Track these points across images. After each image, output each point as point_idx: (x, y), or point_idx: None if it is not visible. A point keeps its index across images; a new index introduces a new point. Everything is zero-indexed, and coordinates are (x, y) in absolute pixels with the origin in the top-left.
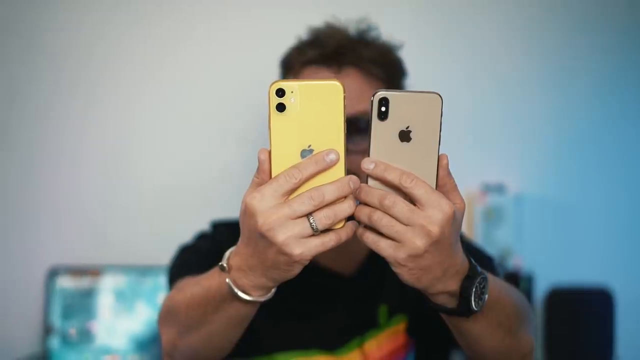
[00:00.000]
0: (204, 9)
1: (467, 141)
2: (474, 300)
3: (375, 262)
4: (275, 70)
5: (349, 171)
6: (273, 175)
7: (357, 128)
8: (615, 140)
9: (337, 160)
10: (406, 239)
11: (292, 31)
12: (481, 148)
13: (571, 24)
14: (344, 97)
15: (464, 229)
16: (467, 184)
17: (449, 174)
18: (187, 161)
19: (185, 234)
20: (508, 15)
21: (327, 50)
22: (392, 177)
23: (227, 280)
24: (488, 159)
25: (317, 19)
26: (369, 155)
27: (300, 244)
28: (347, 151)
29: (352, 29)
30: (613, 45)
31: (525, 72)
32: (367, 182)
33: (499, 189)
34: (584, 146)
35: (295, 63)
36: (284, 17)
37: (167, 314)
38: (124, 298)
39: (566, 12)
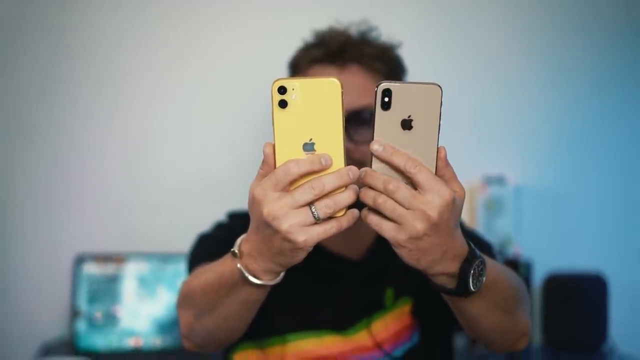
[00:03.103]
0: (219, 14)
1: (470, 136)
2: (472, 282)
3: (382, 248)
4: (286, 69)
5: (355, 160)
6: (277, 167)
7: (361, 120)
8: (610, 135)
9: (331, 165)
10: (407, 222)
11: (302, 33)
12: (483, 142)
13: (568, 24)
14: (342, 92)
15: (467, 218)
16: (469, 176)
17: (448, 164)
18: (205, 156)
19: (204, 224)
20: (508, 17)
21: (331, 49)
22: (398, 161)
23: (239, 265)
24: (489, 152)
25: (324, 20)
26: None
27: (304, 232)
28: (353, 142)
29: (353, 30)
30: (608, 45)
31: (525, 71)
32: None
33: (500, 181)
34: (580, 141)
35: (302, 63)
36: (294, 19)
37: (184, 299)
38: (146, 284)
39: (564, 14)
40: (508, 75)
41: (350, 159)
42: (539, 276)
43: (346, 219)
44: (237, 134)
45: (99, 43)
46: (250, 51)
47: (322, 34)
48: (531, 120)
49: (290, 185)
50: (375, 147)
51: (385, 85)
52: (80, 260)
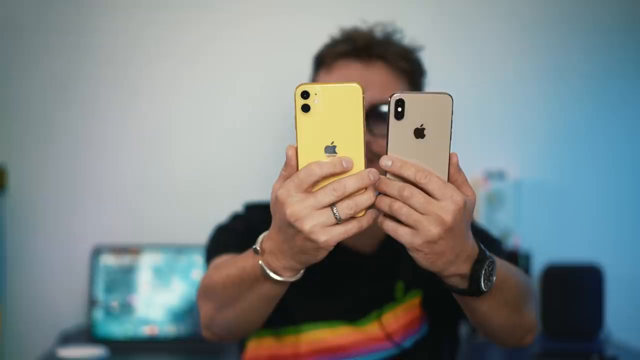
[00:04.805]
0: (233, 15)
1: (472, 133)
2: (484, 282)
3: (393, 242)
4: (298, 68)
5: (373, 153)
6: (299, 169)
7: (381, 114)
8: (605, 131)
9: (352, 167)
10: (422, 227)
11: (312, 34)
12: (484, 139)
13: (566, 25)
14: (363, 97)
15: None
16: (471, 171)
17: (459, 170)
18: (218, 151)
19: (216, 217)
20: (508, 19)
21: (357, 45)
22: (408, 173)
23: (260, 262)
24: (490, 149)
25: (333, 22)
26: (387, 151)
27: (325, 232)
28: (373, 135)
29: (379, 31)
30: (604, 45)
31: (524, 72)
32: (386, 174)
33: (500, 175)
34: (576, 137)
35: (327, 57)
36: (304, 22)
37: (205, 291)
38: (161, 274)
39: (561, 15)
40: (508, 75)
41: (369, 151)
42: (537, 267)
43: (366, 219)
44: (248, 129)
45: (116, 43)
46: (262, 51)
47: (349, 31)
48: (530, 117)
49: (312, 186)
50: (384, 162)
51: (398, 95)
52: (97, 251)
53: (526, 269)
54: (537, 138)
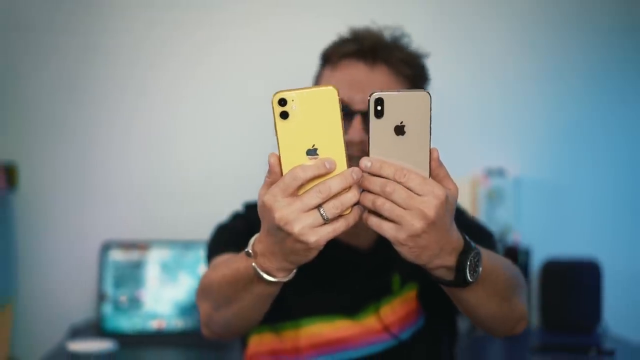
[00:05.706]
0: (241, 14)
1: (472, 131)
2: (469, 273)
3: None
4: (303, 68)
5: (366, 153)
6: (284, 174)
7: None
8: (603, 130)
9: (334, 168)
10: (405, 222)
11: (319, 33)
12: (484, 137)
13: (564, 25)
14: (339, 99)
15: (469, 208)
16: (471, 168)
17: (440, 164)
18: (224, 149)
19: (222, 213)
20: (508, 20)
21: (364, 46)
22: (387, 173)
23: (253, 264)
24: (490, 146)
25: (333, 23)
26: (368, 148)
27: (314, 233)
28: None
29: (387, 34)
30: (602, 44)
31: (524, 71)
32: None
33: (500, 173)
34: (575, 135)
35: (334, 55)
36: (312, 21)
37: (203, 291)
38: (168, 269)
39: (559, 15)
40: (509, 75)
41: (363, 152)
42: (537, 262)
43: (352, 217)
44: (254, 128)
45: (123, 44)
46: (267, 51)
47: (357, 31)
48: (529, 116)
49: (297, 190)
50: (363, 164)
51: (377, 94)
52: (106, 247)
53: (525, 264)
54: (536, 136)
